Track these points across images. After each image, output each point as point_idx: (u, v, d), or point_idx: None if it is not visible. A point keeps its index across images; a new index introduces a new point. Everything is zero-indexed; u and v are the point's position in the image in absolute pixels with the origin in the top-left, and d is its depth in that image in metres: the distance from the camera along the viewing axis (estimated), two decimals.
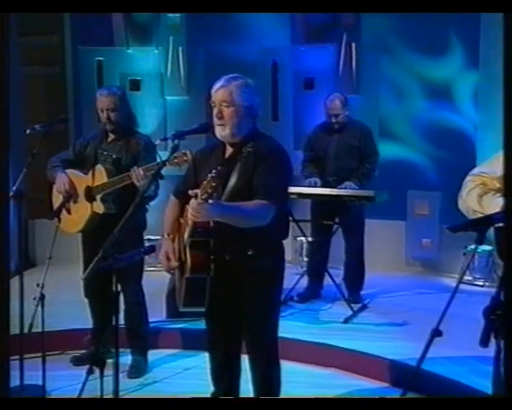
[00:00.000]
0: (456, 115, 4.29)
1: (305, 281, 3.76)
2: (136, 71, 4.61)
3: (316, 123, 3.85)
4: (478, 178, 1.81)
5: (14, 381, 2.35)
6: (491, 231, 1.73)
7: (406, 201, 4.36)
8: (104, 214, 2.74)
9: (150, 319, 2.99)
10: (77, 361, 2.91)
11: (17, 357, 2.38)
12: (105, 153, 2.81)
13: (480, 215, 1.80)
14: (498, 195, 1.76)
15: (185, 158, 2.39)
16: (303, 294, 3.70)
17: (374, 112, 4.26)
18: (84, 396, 1.85)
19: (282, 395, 2.17)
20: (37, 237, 4.51)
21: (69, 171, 2.82)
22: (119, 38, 4.67)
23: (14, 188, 2.46)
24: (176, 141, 2.02)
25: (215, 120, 2.03)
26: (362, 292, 3.74)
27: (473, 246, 3.75)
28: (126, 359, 2.81)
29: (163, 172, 2.15)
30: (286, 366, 2.24)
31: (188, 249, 1.96)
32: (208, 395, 2.25)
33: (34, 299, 2.46)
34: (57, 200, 2.85)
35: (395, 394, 2.53)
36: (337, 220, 3.64)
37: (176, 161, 2.41)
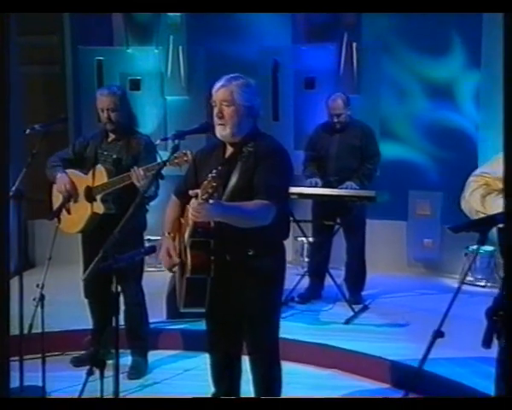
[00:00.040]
0: (458, 115, 4.29)
1: (305, 282, 3.75)
2: (136, 70, 4.61)
3: (317, 123, 3.84)
4: (481, 179, 1.81)
5: (14, 382, 2.34)
6: (493, 232, 1.72)
7: (408, 201, 4.36)
8: (104, 215, 2.73)
9: (150, 320, 2.98)
10: (77, 362, 2.90)
11: (17, 358, 2.38)
12: (105, 153, 2.80)
13: (483, 216, 1.79)
14: (501, 195, 1.74)
15: (185, 158, 2.39)
16: (304, 294, 3.70)
17: (375, 112, 4.25)
18: (84, 397, 1.84)
19: (283, 396, 2.16)
20: (36, 237, 4.50)
21: (69, 171, 2.82)
22: (119, 38, 4.67)
23: (13, 188, 2.45)
24: (176, 141, 2.01)
25: (215, 120, 2.02)
26: (363, 293, 3.73)
27: (475, 246, 3.73)
28: (126, 360, 2.81)
29: (163, 172, 2.15)
30: (287, 366, 2.24)
31: (188, 250, 1.96)
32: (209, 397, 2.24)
33: (34, 300, 2.46)
34: (57, 200, 2.84)
35: (396, 395, 2.52)
36: (338, 221, 3.63)
37: (176, 161, 2.40)
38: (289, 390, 2.26)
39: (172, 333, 3.19)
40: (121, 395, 1.85)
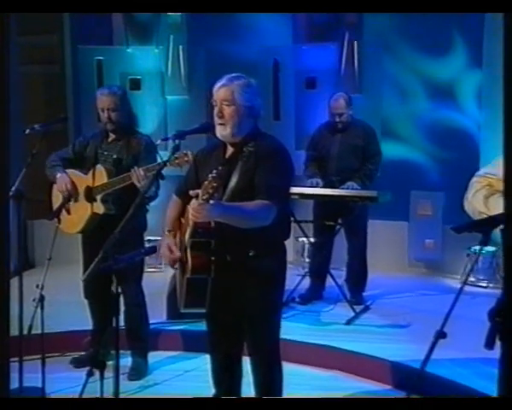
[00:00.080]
0: (460, 115, 4.27)
1: (306, 282, 3.74)
2: (136, 70, 4.60)
3: (318, 123, 3.84)
4: (484, 180, 1.80)
5: (14, 383, 2.33)
6: (496, 232, 1.71)
7: (409, 201, 4.34)
8: (104, 215, 2.72)
9: (150, 321, 2.98)
10: (77, 363, 2.90)
11: (16, 359, 2.36)
12: (105, 153, 2.80)
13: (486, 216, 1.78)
14: None
15: (186, 158, 2.38)
16: (305, 295, 3.69)
17: (376, 111, 4.24)
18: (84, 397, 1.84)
19: (284, 397, 2.15)
20: (36, 237, 4.49)
21: (69, 171, 2.82)
22: (119, 37, 4.66)
23: (13, 188, 2.44)
24: (177, 141, 2.00)
25: (216, 119, 2.02)
26: (364, 293, 3.72)
27: (477, 247, 3.72)
28: (126, 361, 2.80)
29: (164, 172, 2.14)
30: (287, 367, 2.22)
31: (189, 250, 1.95)
32: None
33: (33, 300, 2.45)
34: (57, 200, 2.84)
35: (397, 396, 2.51)
36: (340, 221, 3.62)
37: (177, 161, 2.40)
38: (290, 392, 2.25)
39: (173, 334, 3.19)
40: (121, 397, 1.84)
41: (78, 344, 2.99)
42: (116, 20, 4.67)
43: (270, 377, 2.12)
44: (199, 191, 1.84)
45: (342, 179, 3.55)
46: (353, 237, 3.68)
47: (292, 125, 4.49)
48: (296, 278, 3.67)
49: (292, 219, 2.78)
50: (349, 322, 3.34)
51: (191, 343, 3.08)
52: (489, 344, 1.51)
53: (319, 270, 3.72)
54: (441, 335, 1.71)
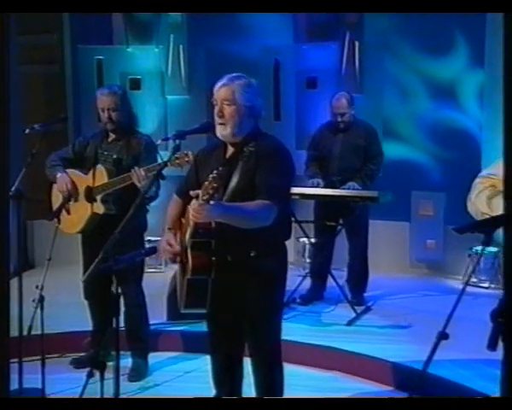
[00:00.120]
0: (461, 115, 4.26)
1: (307, 283, 3.73)
2: (136, 70, 4.59)
3: (318, 123, 3.83)
4: (487, 180, 1.79)
5: (13, 384, 2.31)
6: (498, 233, 1.69)
7: (410, 201, 4.33)
8: (104, 215, 2.72)
9: (151, 322, 2.97)
10: (77, 364, 2.89)
11: (16, 360, 2.35)
12: (105, 153, 2.79)
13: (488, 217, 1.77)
14: None
15: (187, 159, 2.37)
16: (305, 296, 3.68)
17: (377, 111, 4.22)
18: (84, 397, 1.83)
19: (284, 397, 2.14)
20: (36, 237, 4.48)
21: (69, 170, 2.81)
22: (119, 37, 4.65)
23: (13, 188, 2.43)
24: (177, 141, 1.99)
25: (216, 119, 2.01)
26: (365, 294, 3.71)
27: (478, 247, 3.72)
28: (126, 362, 2.79)
29: (164, 172, 2.13)
30: (288, 368, 2.22)
31: (189, 250, 1.94)
32: None
33: (33, 301, 2.44)
34: (57, 200, 2.83)
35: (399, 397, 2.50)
36: (341, 221, 3.61)
37: (177, 161, 2.39)
38: (291, 393, 2.23)
39: (173, 335, 3.18)
40: (121, 397, 1.83)
41: (78, 345, 2.98)
42: (116, 19, 4.66)
43: (271, 378, 2.12)
44: (199, 192, 1.83)
45: (343, 179, 3.54)
46: (354, 238, 3.67)
47: (292, 125, 4.47)
48: (297, 278, 3.66)
49: (293, 219, 2.76)
50: (350, 323, 3.33)
51: (191, 344, 3.07)
52: (492, 345, 1.50)
53: (320, 270, 3.71)
54: (443, 336, 1.70)
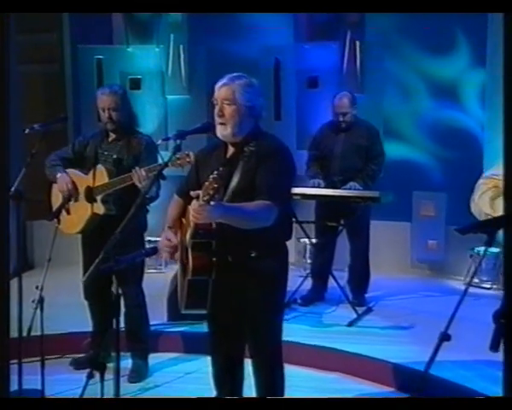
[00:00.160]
0: (463, 115, 4.25)
1: (308, 283, 3.72)
2: (136, 69, 4.57)
3: (319, 122, 3.82)
4: (490, 181, 1.78)
5: (13, 385, 2.30)
6: (500, 233, 1.68)
7: (412, 202, 4.31)
8: (104, 215, 2.71)
9: (151, 322, 2.96)
10: (77, 365, 2.89)
11: (15, 361, 2.34)
12: (105, 153, 2.78)
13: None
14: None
15: (188, 159, 2.36)
16: (306, 296, 3.67)
17: (378, 111, 4.21)
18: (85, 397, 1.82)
19: (285, 397, 2.13)
20: (35, 238, 4.47)
21: (70, 170, 2.81)
22: (119, 36, 4.64)
23: (12, 188, 2.42)
24: (178, 141, 1.99)
25: (216, 119, 2.00)
26: (366, 295, 3.70)
27: (480, 248, 3.71)
28: (126, 363, 2.78)
29: (164, 172, 2.12)
30: (289, 370, 2.21)
31: (190, 251, 1.94)
32: None
33: (33, 302, 2.43)
34: (56, 200, 2.82)
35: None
36: (342, 222, 3.60)
37: (178, 162, 2.39)
38: (291, 394, 2.23)
39: (173, 335, 3.17)
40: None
41: (77, 346, 2.97)
42: (116, 18, 4.65)
43: (271, 380, 2.11)
44: (200, 192, 1.82)
45: (344, 179, 3.52)
46: (355, 238, 3.66)
47: (293, 125, 4.46)
48: (298, 279, 3.65)
49: (293, 219, 2.75)
50: (351, 324, 3.32)
51: (192, 345, 3.06)
52: (494, 346, 1.49)
53: (321, 271, 3.70)
54: (445, 337, 1.69)
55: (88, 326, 2.93)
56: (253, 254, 1.97)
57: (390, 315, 3.44)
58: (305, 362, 2.89)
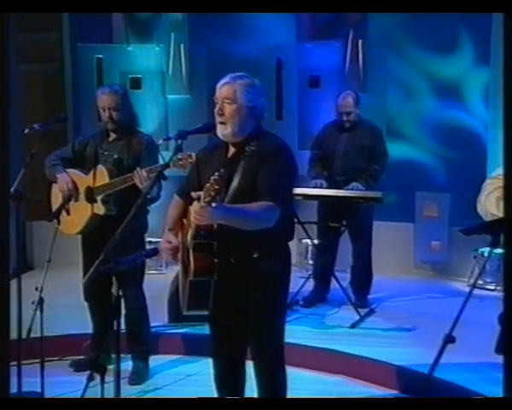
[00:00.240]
0: (466, 114, 4.24)
1: (310, 285, 3.70)
2: (136, 69, 4.56)
3: (321, 122, 3.81)
4: (496, 181, 1.76)
5: (12, 388, 2.28)
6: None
7: (414, 202, 4.30)
8: (105, 216, 2.70)
9: (152, 324, 2.95)
10: (76, 367, 2.88)
11: (15, 363, 2.32)
12: (106, 153, 2.76)
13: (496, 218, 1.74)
14: None
15: (190, 160, 2.35)
16: (308, 298, 3.65)
17: (381, 111, 4.19)
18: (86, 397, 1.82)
19: (285, 397, 2.11)
20: (35, 238, 4.46)
21: (70, 170, 2.79)
22: (119, 35, 4.62)
23: (12, 189, 2.40)
24: (179, 141, 1.97)
25: (216, 118, 1.99)
26: (369, 296, 3.68)
27: (484, 249, 3.68)
28: (127, 365, 2.76)
29: (165, 172, 2.10)
30: (291, 372, 2.18)
31: (191, 252, 1.92)
32: None
33: (33, 303, 2.42)
34: (56, 200, 2.81)
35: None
36: (344, 222, 3.57)
37: (180, 163, 2.37)
38: (293, 396, 2.20)
39: (174, 337, 3.15)
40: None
41: (77, 348, 2.96)
42: (116, 17, 4.63)
43: (273, 382, 2.09)
44: (201, 193, 1.81)
45: (347, 180, 3.51)
46: (358, 239, 3.64)
47: (295, 125, 4.45)
48: (300, 280, 3.63)
49: (295, 220, 2.72)
50: (354, 325, 3.30)
51: (193, 347, 3.05)
52: (500, 349, 1.46)
53: (323, 272, 3.68)
54: (450, 339, 1.67)
55: (88, 328, 2.92)
56: (254, 255, 1.95)
57: (393, 317, 3.43)
58: (307, 364, 2.87)
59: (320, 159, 3.64)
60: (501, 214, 1.73)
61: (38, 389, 2.37)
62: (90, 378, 1.78)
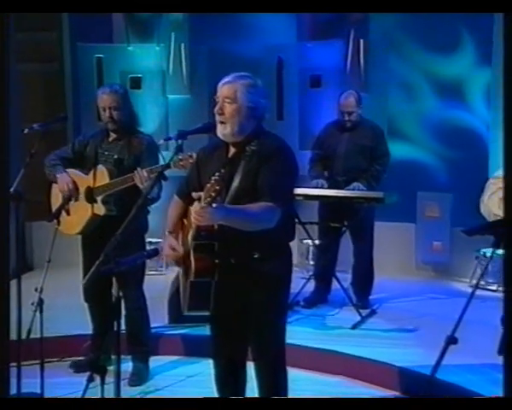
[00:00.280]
0: (468, 114, 4.23)
1: (311, 285, 3.69)
2: (136, 68, 4.55)
3: (322, 122, 3.80)
4: (499, 181, 1.74)
5: (12, 389, 2.28)
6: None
7: (416, 202, 4.29)
8: (105, 216, 2.69)
9: (152, 325, 2.94)
10: (76, 368, 2.87)
11: (15, 364, 2.31)
12: (106, 153, 2.75)
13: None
14: None
15: (191, 160, 2.34)
16: (309, 299, 3.63)
17: (382, 110, 4.19)
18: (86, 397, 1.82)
19: (285, 397, 2.10)
20: (34, 239, 4.45)
21: (70, 170, 2.78)
22: (120, 35, 4.61)
23: (11, 189, 2.39)
24: (179, 141, 1.97)
25: (216, 117, 1.98)
26: (370, 297, 3.67)
27: (486, 249, 3.66)
28: (127, 366, 2.76)
29: (166, 172, 2.09)
30: (291, 373, 2.17)
31: (192, 252, 1.92)
32: None
33: (32, 304, 2.41)
34: (56, 200, 2.80)
35: None
36: (345, 223, 3.56)
37: (181, 163, 2.37)
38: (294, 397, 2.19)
39: (174, 338, 3.14)
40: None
41: (77, 349, 2.95)
42: (116, 17, 4.62)
43: (274, 383, 2.08)
44: (201, 194, 1.81)
45: (348, 180, 3.50)
46: (359, 240, 3.63)
47: (296, 125, 4.44)
48: (300, 281, 3.61)
49: (296, 220, 2.72)
50: (355, 326, 3.29)
51: (193, 348, 3.04)
52: (503, 350, 1.45)
53: (324, 273, 3.68)
54: (452, 340, 1.66)
55: (88, 329, 2.91)
56: (255, 256, 1.95)
57: (394, 318, 3.42)
58: (308, 365, 2.87)
59: (321, 159, 3.63)
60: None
61: (38, 391, 2.37)
62: (90, 379, 1.78)
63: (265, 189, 1.90)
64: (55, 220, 2.71)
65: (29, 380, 2.37)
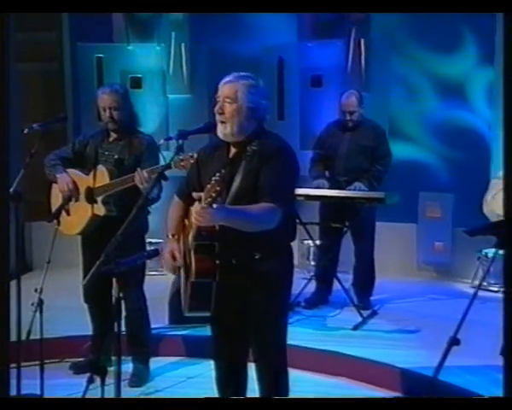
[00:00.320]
0: (470, 114, 4.23)
1: (312, 286, 3.69)
2: (137, 68, 4.54)
3: (323, 122, 3.79)
4: (503, 181, 1.73)
5: (12, 390, 2.27)
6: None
7: (417, 203, 4.28)
8: (105, 217, 2.68)
9: (152, 325, 2.93)
10: (76, 369, 2.87)
11: (14, 365, 2.30)
12: (106, 153, 2.75)
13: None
14: None
15: (191, 161, 2.32)
16: (310, 299, 3.63)
17: (384, 110, 4.18)
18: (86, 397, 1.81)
19: (286, 397, 2.09)
20: (34, 239, 4.45)
21: (70, 170, 2.78)
22: (120, 34, 4.60)
23: (11, 189, 2.39)
24: (180, 141, 1.96)
25: (216, 117, 1.97)
26: (372, 298, 3.66)
27: (488, 250, 3.65)
28: (127, 367, 2.75)
29: (166, 172, 2.08)
30: (292, 374, 2.16)
31: (192, 253, 1.91)
32: None
33: (32, 305, 2.41)
34: (56, 200, 2.79)
35: None
36: (346, 223, 3.55)
37: (182, 164, 2.36)
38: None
39: (175, 339, 3.14)
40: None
41: (77, 350, 2.95)
42: (116, 16, 4.61)
43: (275, 384, 2.07)
44: (202, 194, 1.80)
45: (349, 180, 3.49)
46: (360, 240, 3.62)
47: (297, 125, 4.43)
48: (301, 281, 3.61)
49: (297, 221, 2.71)
50: (356, 327, 3.28)
51: (194, 349, 3.04)
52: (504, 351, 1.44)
53: (325, 273, 3.67)
54: (455, 342, 1.66)
55: (88, 330, 2.90)
56: (256, 256, 1.94)
57: (396, 318, 3.41)
58: (309, 366, 2.86)
59: (322, 159, 3.63)
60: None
61: (38, 392, 2.37)
62: (91, 381, 1.78)
63: (266, 189, 1.89)
64: (55, 221, 2.70)
65: (29, 381, 2.37)
